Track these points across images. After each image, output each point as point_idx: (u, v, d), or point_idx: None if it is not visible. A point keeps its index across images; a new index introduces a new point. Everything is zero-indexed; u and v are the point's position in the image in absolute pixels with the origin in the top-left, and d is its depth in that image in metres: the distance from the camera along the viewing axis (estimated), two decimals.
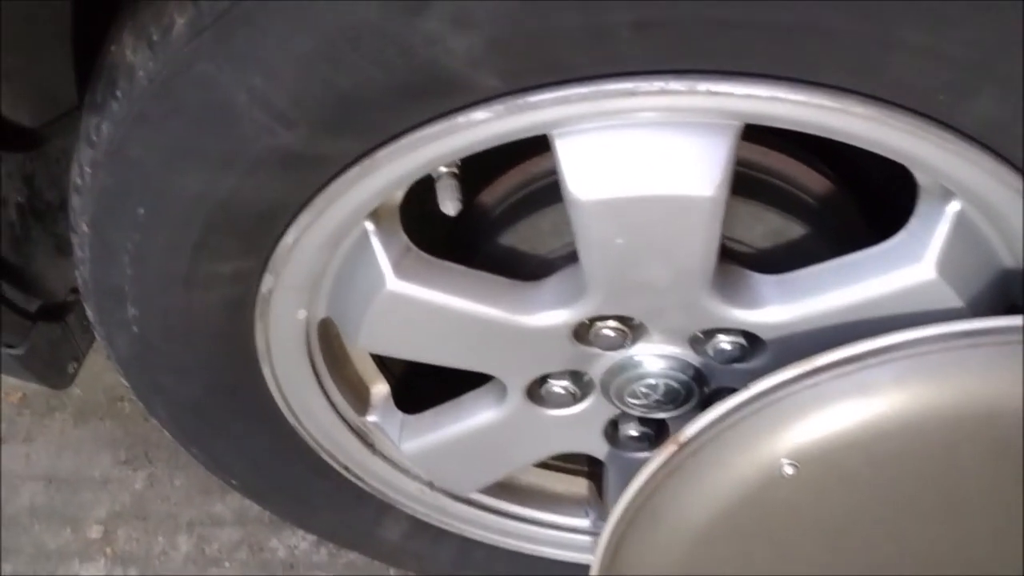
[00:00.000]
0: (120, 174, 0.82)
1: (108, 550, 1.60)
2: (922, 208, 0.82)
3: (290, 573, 1.54)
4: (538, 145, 0.84)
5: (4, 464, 1.69)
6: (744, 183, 0.86)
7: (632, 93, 0.71)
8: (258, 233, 0.86)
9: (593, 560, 1.00)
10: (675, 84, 0.69)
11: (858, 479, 0.89)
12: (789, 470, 0.88)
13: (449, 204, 0.84)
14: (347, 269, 0.93)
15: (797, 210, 0.92)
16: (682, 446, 0.90)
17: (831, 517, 0.92)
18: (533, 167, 0.97)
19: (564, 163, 0.78)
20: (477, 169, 0.91)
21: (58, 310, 1.20)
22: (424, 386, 1.14)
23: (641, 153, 0.76)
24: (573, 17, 0.64)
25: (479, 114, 0.74)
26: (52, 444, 1.73)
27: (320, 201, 0.83)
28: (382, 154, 0.78)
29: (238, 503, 1.59)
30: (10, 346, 1.14)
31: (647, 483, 0.93)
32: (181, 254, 0.87)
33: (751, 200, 0.91)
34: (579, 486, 1.27)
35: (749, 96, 0.70)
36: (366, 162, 0.79)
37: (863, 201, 0.98)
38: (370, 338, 0.96)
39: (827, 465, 0.88)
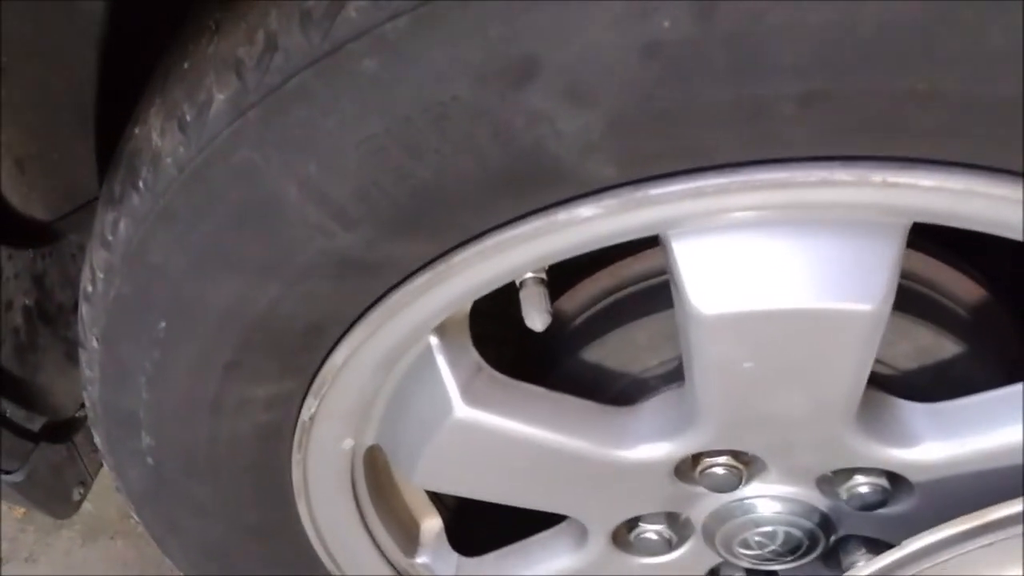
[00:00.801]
0: (139, 281, 0.68)
1: None
2: None
3: None
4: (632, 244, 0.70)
5: None
6: None
7: (784, 185, 0.56)
8: (302, 351, 0.71)
9: None
10: (842, 174, 0.55)
11: None
12: None
13: (536, 317, 0.69)
14: (405, 391, 0.78)
15: (949, 324, 0.77)
16: None
17: None
18: (624, 270, 0.83)
19: (683, 269, 0.63)
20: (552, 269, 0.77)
21: (64, 429, 1.05)
22: (484, 522, 0.97)
23: (785, 258, 0.61)
24: (723, 89, 0.50)
25: (585, 210, 0.59)
26: (57, 565, 1.59)
27: (379, 314, 0.68)
28: (459, 258, 0.64)
29: None
30: (6, 471, 0.99)
31: None
32: (209, 376, 0.72)
33: (896, 312, 0.75)
34: None
35: (937, 189, 0.55)
36: (440, 267, 0.64)
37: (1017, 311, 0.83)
38: (430, 474, 0.80)
39: None
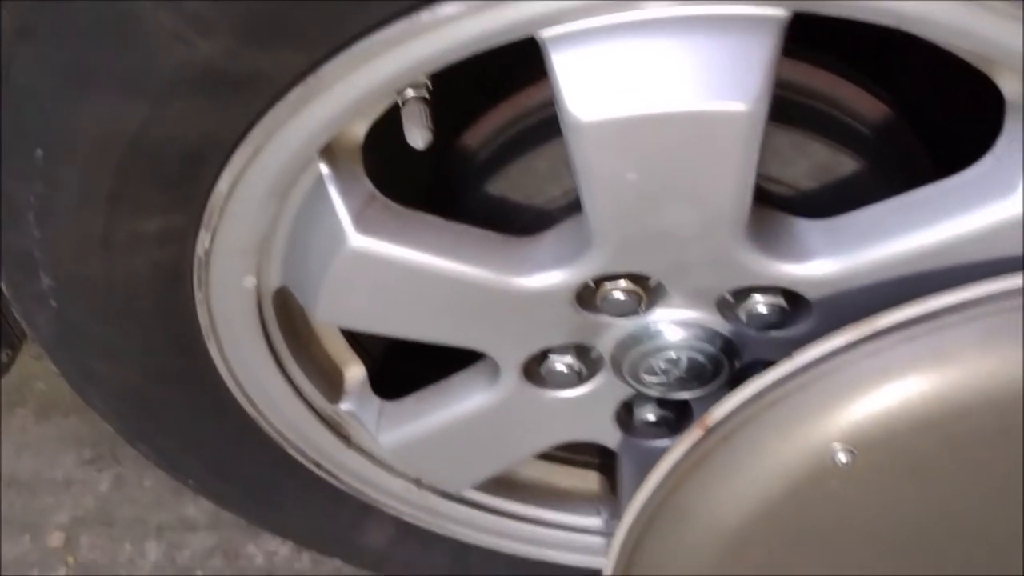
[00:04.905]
0: (10, 107, 0.66)
1: (70, 559, 1.45)
2: (1011, 127, 0.66)
3: None
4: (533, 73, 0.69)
5: None
6: (784, 108, 0.70)
7: None
8: (184, 179, 0.70)
9: (606, 564, 0.84)
10: None
11: (930, 467, 0.73)
12: (843, 457, 0.72)
13: (417, 134, 0.67)
14: (301, 226, 0.77)
15: (848, 140, 0.76)
16: (710, 430, 0.74)
17: (895, 514, 0.76)
18: (526, 99, 0.81)
19: (560, 75, 0.62)
20: (458, 106, 0.76)
21: None
22: (408, 368, 0.98)
23: (659, 59, 0.60)
24: None
25: (447, 7, 0.57)
26: (11, 444, 1.60)
27: (256, 135, 0.67)
28: (329, 68, 0.62)
29: (213, 505, 1.44)
30: None
31: (669, 475, 0.77)
32: (94, 208, 0.71)
33: (792, 129, 0.74)
34: (589, 481, 1.11)
35: None
36: (310, 80, 0.63)
37: (923, 132, 0.82)
38: (331, 308, 0.80)
39: (891, 451, 0.72)
